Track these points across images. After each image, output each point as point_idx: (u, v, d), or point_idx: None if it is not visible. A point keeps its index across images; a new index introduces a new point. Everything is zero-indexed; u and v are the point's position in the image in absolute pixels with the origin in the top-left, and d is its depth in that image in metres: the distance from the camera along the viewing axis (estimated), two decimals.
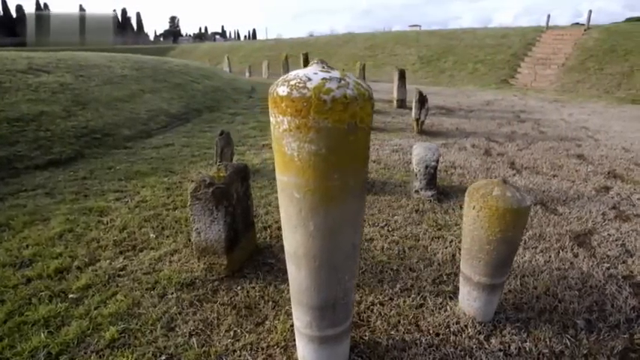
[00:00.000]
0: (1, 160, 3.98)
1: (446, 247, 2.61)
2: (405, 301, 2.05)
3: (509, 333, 1.84)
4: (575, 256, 2.53)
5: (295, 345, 1.65)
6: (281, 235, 2.70)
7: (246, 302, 2.04)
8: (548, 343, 1.78)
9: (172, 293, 2.10)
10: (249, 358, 1.69)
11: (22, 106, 5.11)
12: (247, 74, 17.65)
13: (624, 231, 2.89)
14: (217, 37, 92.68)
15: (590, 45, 14.30)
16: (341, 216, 1.26)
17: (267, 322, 1.90)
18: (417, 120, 5.98)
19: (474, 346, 1.76)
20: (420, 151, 3.46)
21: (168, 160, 4.53)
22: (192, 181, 2.24)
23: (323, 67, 1.20)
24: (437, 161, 3.41)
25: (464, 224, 1.84)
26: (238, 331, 1.84)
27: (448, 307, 2.01)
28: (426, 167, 3.36)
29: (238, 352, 1.71)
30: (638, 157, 4.85)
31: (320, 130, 1.12)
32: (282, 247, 2.56)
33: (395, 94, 8.51)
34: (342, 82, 1.14)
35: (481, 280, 1.82)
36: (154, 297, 2.07)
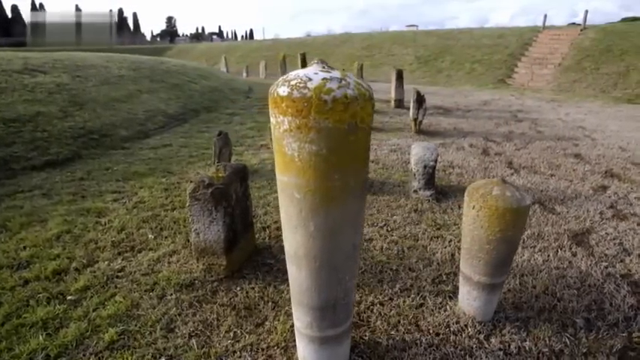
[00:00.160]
0: None
1: (445, 247, 2.61)
2: (404, 301, 2.06)
3: (508, 332, 1.84)
4: (574, 255, 2.54)
5: (295, 345, 1.65)
6: (280, 236, 2.70)
7: (246, 303, 2.04)
8: (547, 342, 1.79)
9: (171, 294, 2.09)
10: (249, 359, 1.68)
11: (19, 107, 5.08)
12: (245, 74, 17.63)
13: (622, 230, 2.90)
14: (214, 37, 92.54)
15: (587, 45, 14.37)
16: (341, 216, 1.26)
17: (267, 323, 1.90)
18: (415, 120, 5.99)
19: (474, 346, 1.76)
20: (418, 151, 3.46)
21: (166, 161, 4.52)
22: (191, 181, 2.23)
23: (323, 67, 1.19)
24: (435, 161, 3.42)
25: (463, 224, 1.84)
26: (238, 331, 1.83)
27: (448, 307, 2.01)
28: (425, 167, 3.37)
29: (238, 353, 1.71)
30: (634, 157, 4.88)
31: (321, 130, 1.11)
32: (281, 247, 2.56)
33: (392, 94, 8.52)
34: (343, 82, 1.13)
35: (481, 280, 1.82)
36: (153, 298, 2.06)
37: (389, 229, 2.86)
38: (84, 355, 1.69)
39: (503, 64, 15.32)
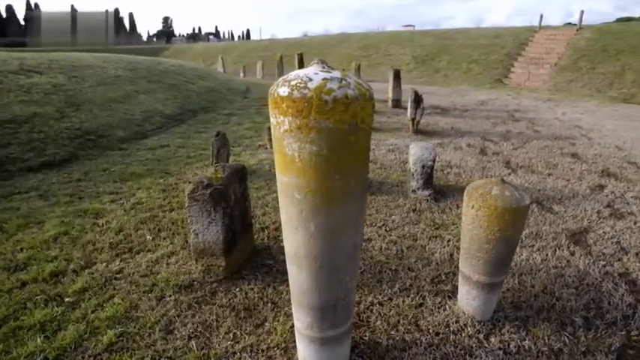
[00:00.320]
0: None
1: (444, 247, 2.62)
2: (404, 301, 2.06)
3: (508, 331, 1.85)
4: (572, 254, 2.55)
5: (295, 346, 1.64)
6: (279, 236, 2.70)
7: (245, 304, 2.03)
8: (547, 340, 1.79)
9: (170, 296, 2.08)
10: None
11: (15, 108, 5.04)
12: (242, 74, 17.59)
13: (619, 229, 2.92)
14: (211, 37, 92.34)
15: (583, 45, 14.44)
16: (342, 217, 1.26)
17: (266, 324, 1.89)
18: (413, 120, 6.00)
19: (474, 345, 1.76)
20: (416, 151, 3.46)
21: (164, 162, 4.50)
22: (190, 182, 2.22)
23: (323, 67, 1.19)
24: (433, 161, 3.43)
25: (463, 223, 1.84)
26: (238, 333, 1.83)
27: (447, 307, 2.01)
28: (423, 167, 3.37)
29: (238, 354, 1.70)
30: (630, 156, 4.91)
31: (321, 130, 1.11)
32: (280, 248, 2.56)
33: (390, 94, 8.53)
34: (343, 82, 1.13)
35: (480, 279, 1.83)
36: (152, 300, 2.05)
37: (387, 229, 2.86)
38: (82, 358, 1.68)
39: (499, 63, 15.37)
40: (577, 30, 15.87)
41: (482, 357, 1.70)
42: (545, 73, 13.76)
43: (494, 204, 1.66)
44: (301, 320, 1.48)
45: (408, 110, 6.08)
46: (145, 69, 9.08)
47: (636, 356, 1.74)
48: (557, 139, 5.75)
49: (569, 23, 24.43)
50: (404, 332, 1.84)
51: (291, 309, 1.67)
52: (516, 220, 1.68)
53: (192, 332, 1.83)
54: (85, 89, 6.52)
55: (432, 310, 2.00)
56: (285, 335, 1.80)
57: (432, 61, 17.32)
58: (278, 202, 3.28)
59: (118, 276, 2.26)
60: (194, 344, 1.75)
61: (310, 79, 1.12)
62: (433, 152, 3.46)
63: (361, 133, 1.18)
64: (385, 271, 2.33)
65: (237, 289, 2.15)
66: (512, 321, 1.92)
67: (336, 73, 1.16)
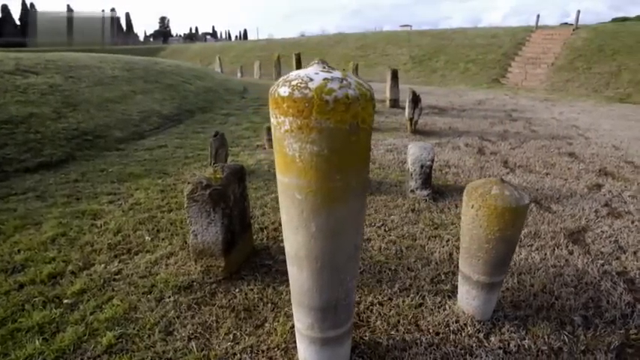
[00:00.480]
0: None
1: (443, 246, 2.62)
2: (404, 301, 2.06)
3: (508, 331, 1.85)
4: (570, 253, 2.56)
5: (296, 347, 1.64)
6: (277, 237, 2.69)
7: (245, 304, 2.03)
8: (546, 340, 1.80)
9: (170, 297, 2.08)
10: None
11: (11, 108, 5.01)
12: (239, 75, 17.56)
13: (617, 228, 2.93)
14: (208, 37, 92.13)
15: (579, 45, 14.51)
16: (343, 217, 1.26)
17: (266, 325, 1.89)
18: (411, 120, 6.00)
19: (474, 345, 1.77)
20: (415, 151, 3.47)
21: (162, 162, 4.48)
22: (188, 182, 2.21)
23: (324, 67, 1.19)
24: (432, 160, 3.43)
25: (462, 223, 1.85)
26: (238, 333, 1.82)
27: (447, 306, 2.02)
28: (422, 167, 3.38)
29: (238, 355, 1.70)
30: (627, 155, 4.93)
31: (322, 130, 1.11)
32: (279, 248, 2.56)
33: (388, 94, 8.54)
34: (344, 82, 1.13)
35: (480, 279, 1.83)
36: (151, 301, 2.04)
37: (387, 229, 2.86)
38: None
39: (497, 63, 15.42)
40: (573, 30, 15.94)
41: (482, 356, 1.70)
42: (542, 72, 13.82)
43: (494, 203, 1.66)
44: (302, 321, 1.48)
45: (406, 110, 6.09)
46: (141, 69, 9.04)
47: (635, 354, 1.75)
48: (554, 139, 5.77)
49: (566, 23, 24.53)
50: (404, 332, 1.84)
51: (291, 309, 1.66)
52: (516, 220, 1.69)
53: (192, 333, 1.82)
54: (82, 89, 6.49)
55: (431, 309, 2.00)
56: (285, 336, 1.80)
57: (429, 61, 17.36)
58: (276, 203, 3.28)
59: (116, 277, 2.25)
60: (194, 345, 1.75)
61: (311, 79, 1.12)
62: (432, 152, 3.47)
63: (362, 133, 1.18)
64: (385, 271, 2.33)
65: (237, 290, 2.14)
66: (512, 320, 1.92)
67: (337, 73, 1.16)
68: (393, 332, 1.84)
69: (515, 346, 1.76)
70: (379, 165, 4.35)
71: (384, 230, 2.85)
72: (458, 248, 2.46)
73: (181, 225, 2.84)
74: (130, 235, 2.74)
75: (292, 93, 1.10)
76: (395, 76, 8.44)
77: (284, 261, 1.55)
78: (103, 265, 2.36)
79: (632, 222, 3.03)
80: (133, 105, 6.73)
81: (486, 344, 1.77)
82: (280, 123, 1.15)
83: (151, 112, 6.72)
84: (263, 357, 1.69)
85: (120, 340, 1.78)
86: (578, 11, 16.33)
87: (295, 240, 1.31)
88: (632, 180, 3.99)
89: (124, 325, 1.86)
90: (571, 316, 1.96)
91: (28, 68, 6.60)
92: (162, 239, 2.68)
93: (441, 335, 1.83)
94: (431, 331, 1.86)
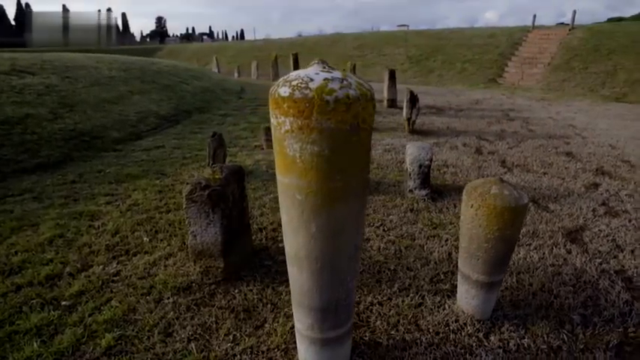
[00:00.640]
0: None
1: (442, 246, 2.62)
2: (403, 301, 2.06)
3: (507, 330, 1.86)
4: (569, 252, 2.57)
5: (296, 347, 1.64)
6: (277, 237, 2.69)
7: (245, 305, 2.02)
8: (545, 338, 1.80)
9: (169, 298, 2.07)
10: None
11: (7, 109, 4.98)
12: (236, 75, 17.53)
13: (614, 226, 2.94)
14: (205, 37, 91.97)
15: (575, 44, 14.57)
16: (343, 217, 1.25)
17: (266, 325, 1.88)
18: (409, 119, 6.01)
19: (474, 344, 1.77)
20: (413, 151, 3.47)
21: (159, 163, 4.47)
22: (187, 183, 2.20)
23: (324, 67, 1.19)
24: (430, 160, 3.43)
25: (462, 223, 1.85)
26: (237, 334, 1.82)
27: (447, 306, 2.02)
28: (420, 166, 3.38)
29: (238, 356, 1.69)
30: (624, 154, 4.96)
31: (323, 130, 1.11)
32: (278, 248, 2.55)
33: (385, 94, 8.54)
34: (345, 82, 1.13)
35: (479, 278, 1.83)
36: (150, 302, 2.03)
37: (386, 229, 2.87)
38: None
39: (493, 63, 15.46)
40: (569, 30, 16.01)
41: (482, 356, 1.70)
42: (539, 72, 13.87)
43: (494, 203, 1.67)
44: (302, 321, 1.48)
45: (404, 110, 6.10)
46: (138, 69, 9.01)
47: (634, 353, 1.75)
48: (551, 138, 5.79)
49: (562, 23, 24.61)
50: (404, 332, 1.84)
51: (290, 310, 1.66)
52: (515, 219, 1.69)
53: (192, 334, 1.82)
54: (79, 90, 6.46)
55: (431, 309, 2.00)
56: (285, 336, 1.79)
57: (426, 61, 17.38)
58: (275, 203, 3.27)
59: (115, 278, 2.24)
60: (193, 347, 1.74)
61: (311, 80, 1.11)
62: (430, 152, 3.47)
63: (362, 133, 1.18)
64: (384, 271, 2.33)
65: (236, 291, 2.14)
66: (512, 319, 1.93)
67: (337, 73, 1.16)
68: (392, 332, 1.84)
69: (514, 345, 1.77)
70: (377, 165, 4.36)
71: (383, 230, 2.85)
72: (457, 248, 2.47)
73: (180, 226, 2.83)
74: (128, 236, 2.73)
75: (293, 93, 1.10)
76: (392, 76, 8.44)
77: (283, 261, 1.55)
78: (101, 267, 2.35)
79: (630, 221, 3.04)
80: (130, 105, 6.70)
81: (486, 343, 1.78)
82: (280, 123, 1.15)
83: (148, 113, 6.69)
84: (263, 358, 1.69)
85: (119, 341, 1.77)
86: (574, 11, 16.40)
87: (295, 240, 1.30)
88: (628, 179, 4.01)
89: (122, 327, 1.85)
90: (570, 315, 1.96)
91: (24, 68, 6.56)
92: (161, 240, 2.67)
93: (440, 335, 1.83)
94: (431, 330, 1.86)
